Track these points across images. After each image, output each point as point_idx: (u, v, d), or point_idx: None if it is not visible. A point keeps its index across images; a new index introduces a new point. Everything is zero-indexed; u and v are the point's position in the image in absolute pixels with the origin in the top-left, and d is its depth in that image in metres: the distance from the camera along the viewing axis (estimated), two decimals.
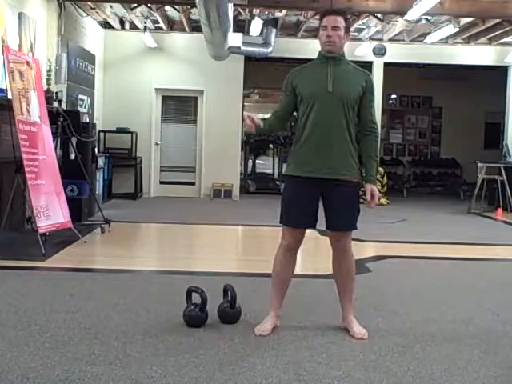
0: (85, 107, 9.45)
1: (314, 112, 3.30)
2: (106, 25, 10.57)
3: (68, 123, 6.62)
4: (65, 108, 7.74)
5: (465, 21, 9.45)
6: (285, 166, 3.70)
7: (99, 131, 10.07)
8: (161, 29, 10.62)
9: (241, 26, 10.43)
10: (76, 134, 6.84)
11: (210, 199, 10.93)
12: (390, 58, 11.21)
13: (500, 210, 9.56)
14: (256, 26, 9.71)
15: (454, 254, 6.26)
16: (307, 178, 3.32)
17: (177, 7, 9.30)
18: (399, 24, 9.80)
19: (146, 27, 10.09)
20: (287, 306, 3.73)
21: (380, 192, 12.95)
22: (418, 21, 9.45)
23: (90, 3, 8.98)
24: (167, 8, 9.66)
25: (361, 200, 3.42)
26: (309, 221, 3.38)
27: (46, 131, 6.16)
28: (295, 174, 3.37)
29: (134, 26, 10.51)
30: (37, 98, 6.06)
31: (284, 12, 9.60)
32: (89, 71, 9.75)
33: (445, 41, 10.80)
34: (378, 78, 11.26)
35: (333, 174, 3.29)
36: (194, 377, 2.73)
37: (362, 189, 3.39)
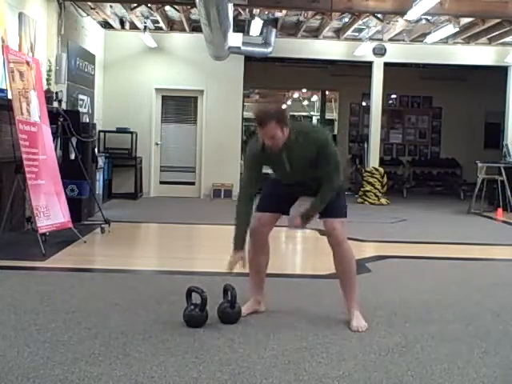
0: (85, 107, 9.44)
1: (282, 177, 3.60)
2: (106, 25, 10.57)
3: (68, 123, 6.62)
4: (65, 108, 7.74)
5: (465, 21, 9.45)
6: None
7: (99, 131, 10.07)
8: (161, 29, 10.62)
9: (241, 26, 10.42)
10: (76, 134, 6.84)
11: (210, 199, 10.93)
12: (389, 58, 11.21)
13: (500, 210, 9.56)
14: (256, 25, 9.70)
15: (453, 253, 6.26)
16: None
17: (177, 7, 9.30)
18: (399, 24, 9.79)
19: (145, 27, 10.10)
20: (287, 305, 3.73)
21: (380, 192, 12.80)
22: (418, 21, 9.46)
23: (90, 3, 8.98)
24: (167, 8, 9.66)
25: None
26: (277, 208, 3.64)
27: (46, 131, 6.16)
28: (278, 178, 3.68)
29: (134, 26, 10.51)
30: (37, 97, 6.06)
31: (284, 12, 9.60)
32: (89, 71, 9.74)
33: (445, 41, 10.80)
34: (377, 78, 11.28)
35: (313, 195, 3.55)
36: (193, 377, 2.73)
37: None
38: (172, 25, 10.82)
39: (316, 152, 3.39)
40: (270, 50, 10.46)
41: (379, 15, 9.31)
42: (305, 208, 3.55)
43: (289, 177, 3.55)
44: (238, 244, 3.53)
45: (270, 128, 3.25)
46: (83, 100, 9.37)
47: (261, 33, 10.20)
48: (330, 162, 3.44)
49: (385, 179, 11.11)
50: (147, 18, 10.10)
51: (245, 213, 3.53)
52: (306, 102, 20.79)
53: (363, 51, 10.75)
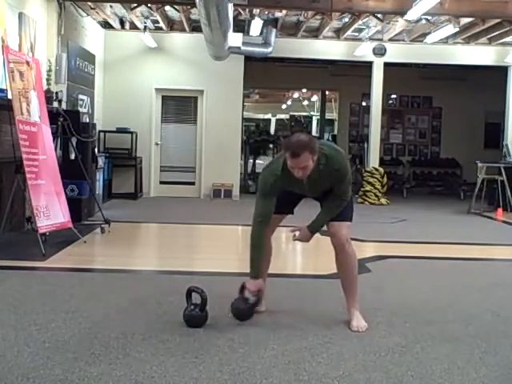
0: (85, 107, 9.44)
1: (295, 191, 3.61)
2: (106, 25, 10.57)
3: (68, 123, 6.62)
4: (65, 108, 7.74)
5: (465, 21, 9.45)
6: None
7: (99, 131, 10.07)
8: (161, 29, 10.62)
9: (241, 26, 10.43)
10: (76, 134, 6.84)
11: (210, 199, 10.93)
12: (389, 58, 11.20)
13: (500, 210, 9.56)
14: (256, 25, 9.70)
15: (453, 254, 6.26)
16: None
17: (177, 7, 9.30)
18: (399, 24, 9.79)
19: (145, 27, 10.09)
20: (287, 305, 3.72)
21: (380, 192, 12.78)
22: (418, 21, 9.46)
23: (90, 3, 8.98)
24: (167, 8, 9.65)
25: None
26: (281, 208, 3.61)
27: (46, 131, 6.16)
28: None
29: (134, 26, 10.51)
30: (37, 97, 6.06)
31: (284, 12, 9.60)
32: (89, 71, 9.74)
33: (445, 41, 10.80)
34: (377, 78, 11.28)
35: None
36: (194, 377, 2.73)
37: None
38: (172, 25, 10.82)
39: (334, 178, 3.43)
40: (269, 50, 10.46)
41: (379, 15, 9.31)
42: (312, 221, 3.55)
43: (303, 193, 3.60)
44: (255, 270, 3.45)
45: (303, 159, 3.23)
46: (83, 100, 9.37)
47: (261, 33, 10.20)
48: (345, 183, 3.48)
49: (385, 179, 11.10)
50: (147, 18, 10.10)
51: (263, 237, 3.48)
52: (306, 102, 20.82)
53: (363, 51, 10.75)
